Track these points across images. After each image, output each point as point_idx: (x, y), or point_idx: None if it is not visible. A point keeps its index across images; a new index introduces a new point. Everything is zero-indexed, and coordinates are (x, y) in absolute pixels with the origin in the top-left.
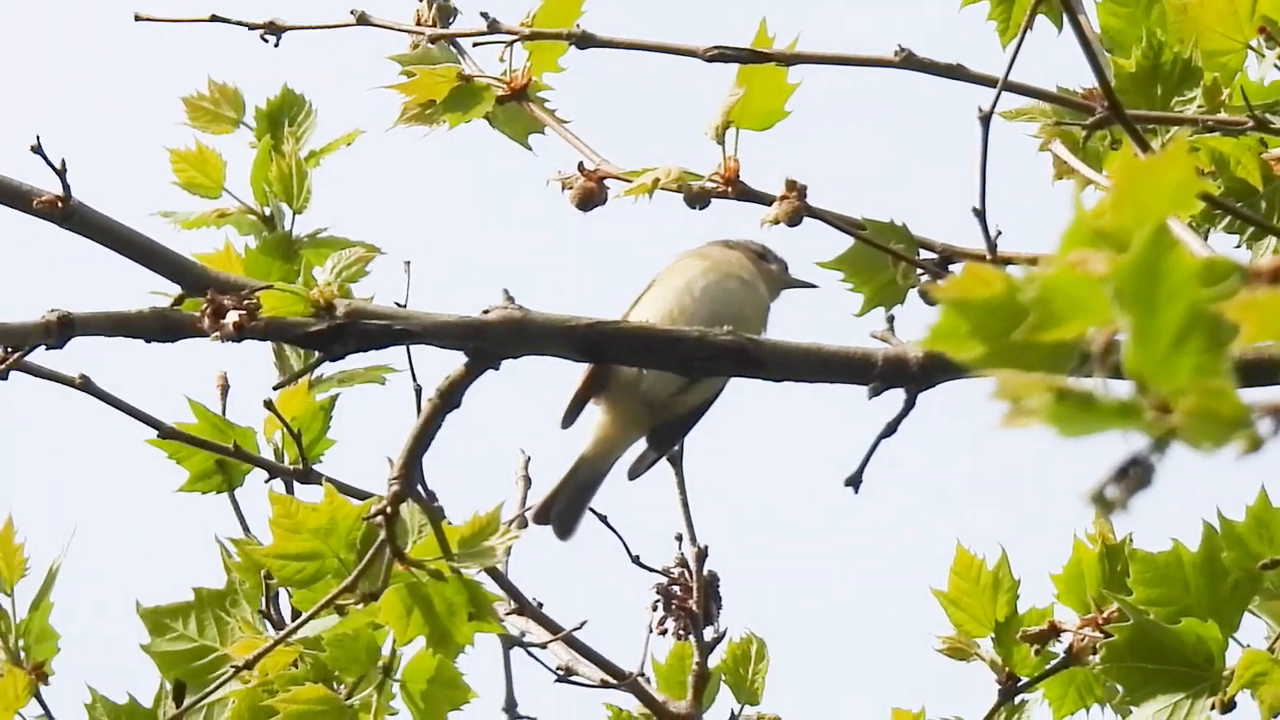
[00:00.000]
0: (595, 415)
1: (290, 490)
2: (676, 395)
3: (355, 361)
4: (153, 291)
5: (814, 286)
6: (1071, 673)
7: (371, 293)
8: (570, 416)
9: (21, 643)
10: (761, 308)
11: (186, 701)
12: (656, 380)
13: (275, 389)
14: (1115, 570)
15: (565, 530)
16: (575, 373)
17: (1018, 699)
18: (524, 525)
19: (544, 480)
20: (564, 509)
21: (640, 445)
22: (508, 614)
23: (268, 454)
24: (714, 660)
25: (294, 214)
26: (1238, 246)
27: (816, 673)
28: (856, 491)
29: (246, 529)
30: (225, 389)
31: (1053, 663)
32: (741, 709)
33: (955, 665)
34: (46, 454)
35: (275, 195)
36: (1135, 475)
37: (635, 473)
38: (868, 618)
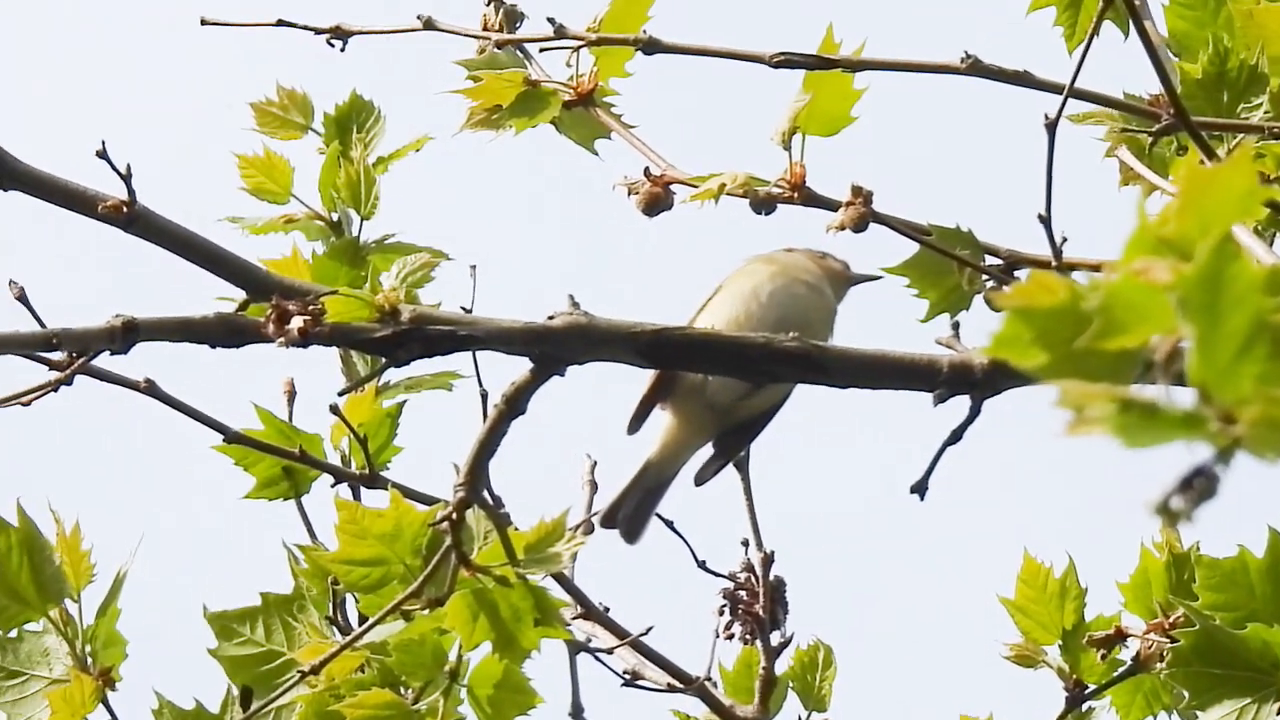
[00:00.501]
0: (661, 420)
1: (357, 496)
2: (742, 400)
3: (422, 367)
4: (219, 297)
5: (878, 278)
6: (1139, 679)
7: (439, 298)
8: (636, 422)
9: (89, 648)
10: (827, 311)
11: (253, 706)
12: (721, 385)
13: (341, 395)
14: (1182, 579)
15: (632, 534)
16: (641, 379)
17: (1085, 706)
18: (590, 531)
19: (610, 486)
20: (631, 513)
21: (707, 450)
22: (574, 619)
23: (334, 460)
24: (781, 666)
25: (362, 220)
26: None
27: (883, 680)
28: (922, 499)
29: (313, 535)
30: (292, 395)
31: (1120, 670)
32: (809, 716)
33: (1022, 673)
34: (114, 459)
35: (343, 201)
36: (1200, 486)
37: (702, 478)
38: (934, 625)
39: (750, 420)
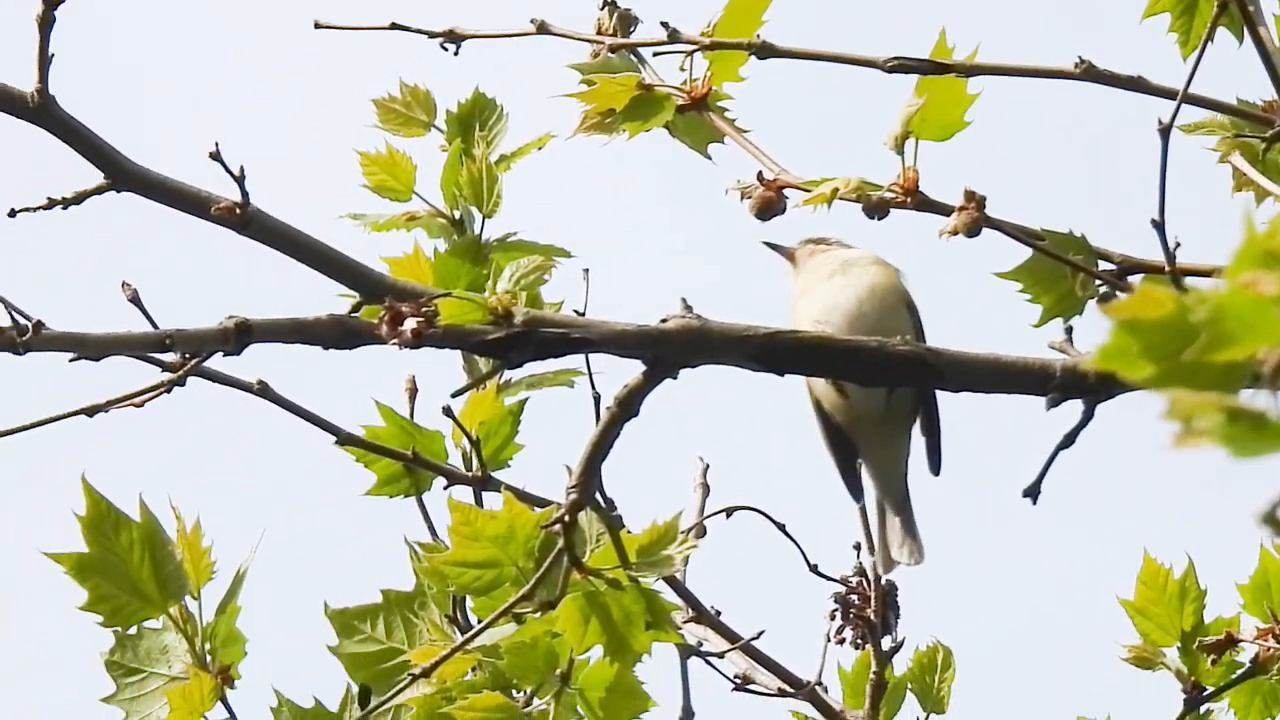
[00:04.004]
0: (862, 458)
1: (478, 496)
2: (891, 401)
3: (544, 365)
4: (339, 294)
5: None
6: (1257, 682)
7: (562, 295)
8: (853, 489)
9: (208, 646)
10: (871, 287)
11: (371, 704)
12: (862, 396)
13: (454, 396)
14: None
15: (916, 556)
16: (820, 452)
17: (1203, 708)
18: (702, 534)
19: (724, 488)
20: (901, 543)
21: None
22: (685, 622)
23: (455, 458)
24: (900, 668)
25: (484, 218)
26: None
27: (1000, 683)
28: (1035, 502)
29: (434, 532)
30: (413, 393)
31: (1238, 672)
32: (927, 717)
33: (1140, 674)
34: (235, 456)
35: (465, 199)
36: None
37: (935, 468)
38: (1052, 627)
39: (923, 401)
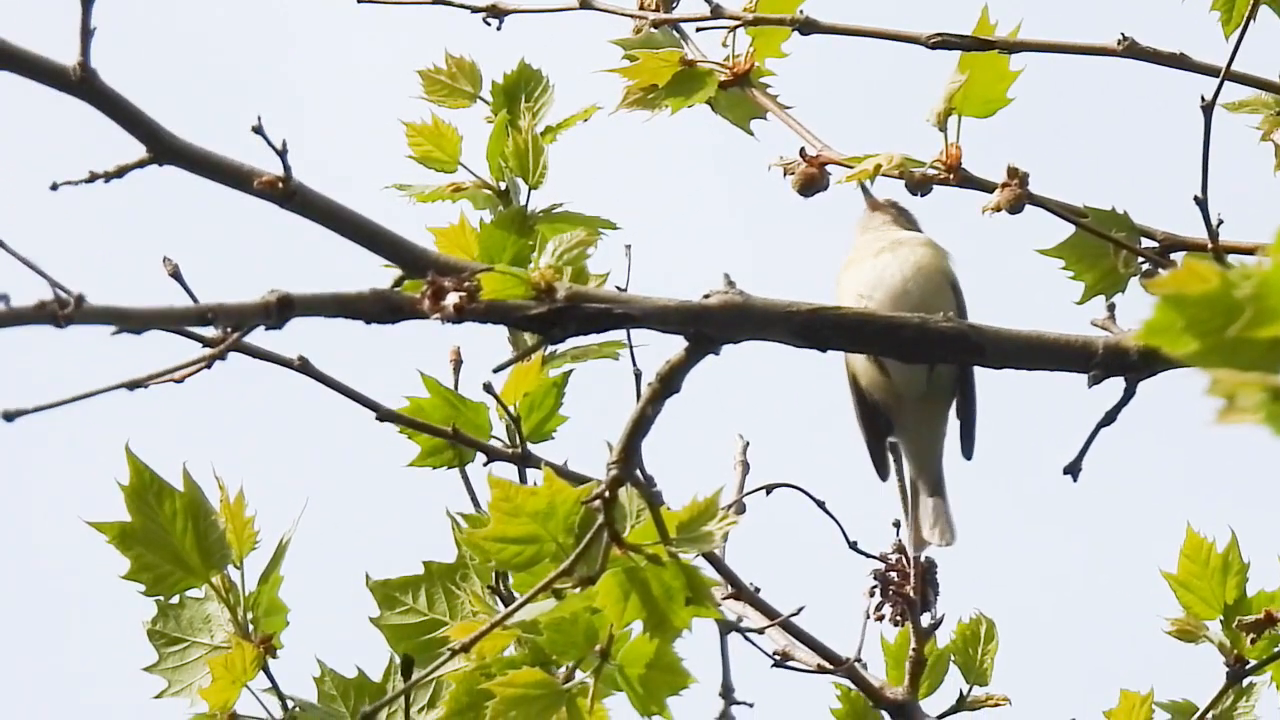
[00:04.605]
0: (897, 438)
1: (522, 471)
2: (932, 379)
3: (588, 338)
4: (383, 265)
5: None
6: None
7: (608, 267)
8: (881, 469)
9: (250, 615)
10: (919, 266)
11: (414, 676)
12: (904, 375)
13: (496, 371)
14: None
15: (948, 537)
16: (850, 425)
17: (1246, 681)
18: (742, 510)
19: (764, 465)
20: (933, 523)
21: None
22: (725, 599)
23: (499, 429)
24: (943, 640)
25: (530, 189)
26: None
27: (1042, 656)
28: (1075, 480)
29: (477, 504)
30: (458, 364)
31: None
32: (970, 689)
33: (1183, 647)
34: (279, 425)
35: (511, 170)
36: None
37: (968, 452)
38: (1093, 601)
39: (960, 382)
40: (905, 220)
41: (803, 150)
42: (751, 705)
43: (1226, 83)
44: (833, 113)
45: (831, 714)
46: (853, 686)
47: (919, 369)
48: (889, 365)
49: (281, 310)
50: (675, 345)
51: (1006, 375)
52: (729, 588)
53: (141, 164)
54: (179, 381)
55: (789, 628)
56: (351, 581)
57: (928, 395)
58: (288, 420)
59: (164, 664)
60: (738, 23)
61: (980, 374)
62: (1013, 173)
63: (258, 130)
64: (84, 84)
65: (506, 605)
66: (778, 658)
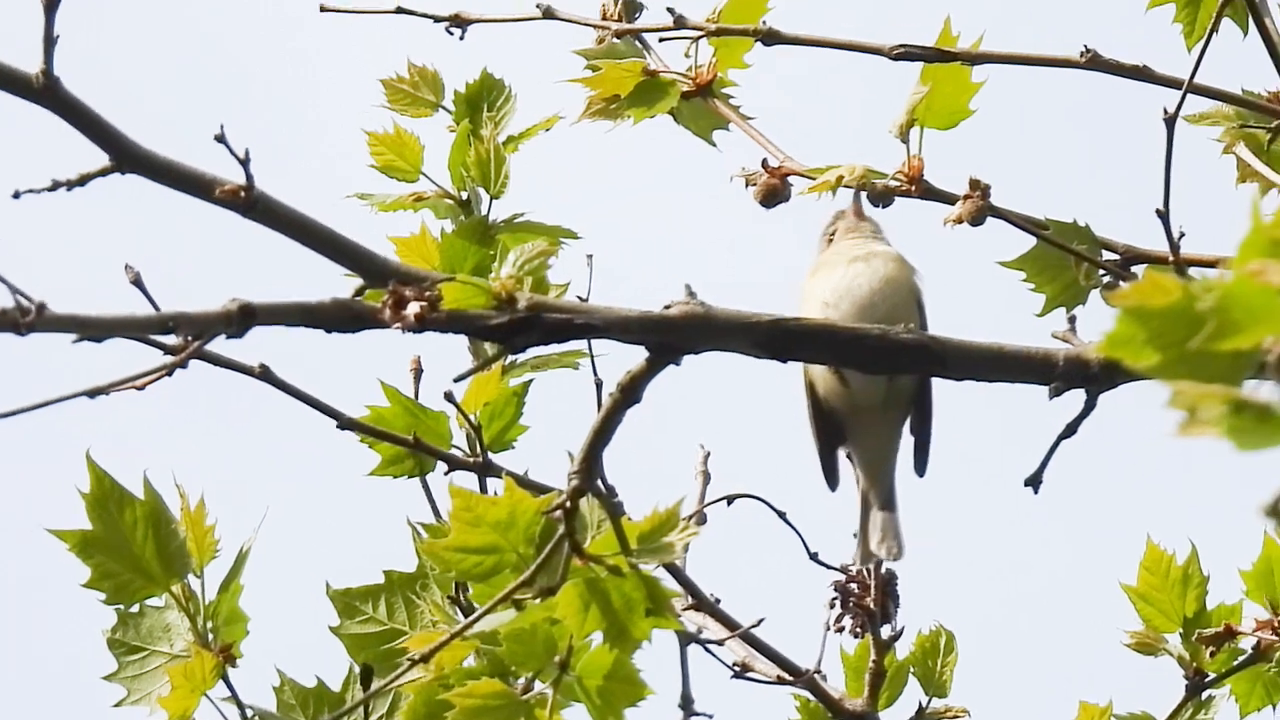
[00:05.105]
0: (849, 448)
1: (483, 481)
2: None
3: (549, 347)
4: (345, 274)
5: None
6: (1258, 669)
7: (568, 277)
8: (830, 478)
9: (210, 624)
10: (889, 279)
11: (373, 686)
12: (863, 385)
13: (457, 380)
14: None
15: (898, 551)
16: (804, 433)
17: (1205, 694)
18: (703, 521)
19: (725, 476)
20: (881, 538)
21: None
22: (685, 610)
23: (460, 439)
24: (902, 651)
25: (491, 199)
26: None
27: (1002, 668)
28: (1036, 492)
29: (437, 513)
30: (419, 373)
31: (1240, 659)
32: (929, 701)
33: (1143, 660)
34: (240, 433)
35: (473, 180)
36: None
37: (921, 469)
38: (1053, 613)
39: (917, 397)
40: (881, 235)
41: (765, 161)
42: (711, 717)
43: (1189, 95)
44: (795, 124)
45: None
46: (812, 698)
47: (878, 380)
48: (849, 375)
49: (243, 318)
50: (636, 355)
51: (967, 387)
52: (689, 599)
53: (104, 172)
54: (140, 389)
55: (749, 639)
56: (311, 590)
57: (884, 407)
58: (249, 428)
59: (123, 672)
60: (700, 33)
61: (941, 386)
62: (974, 184)
63: (220, 139)
64: (47, 92)
65: (466, 615)
66: (737, 669)
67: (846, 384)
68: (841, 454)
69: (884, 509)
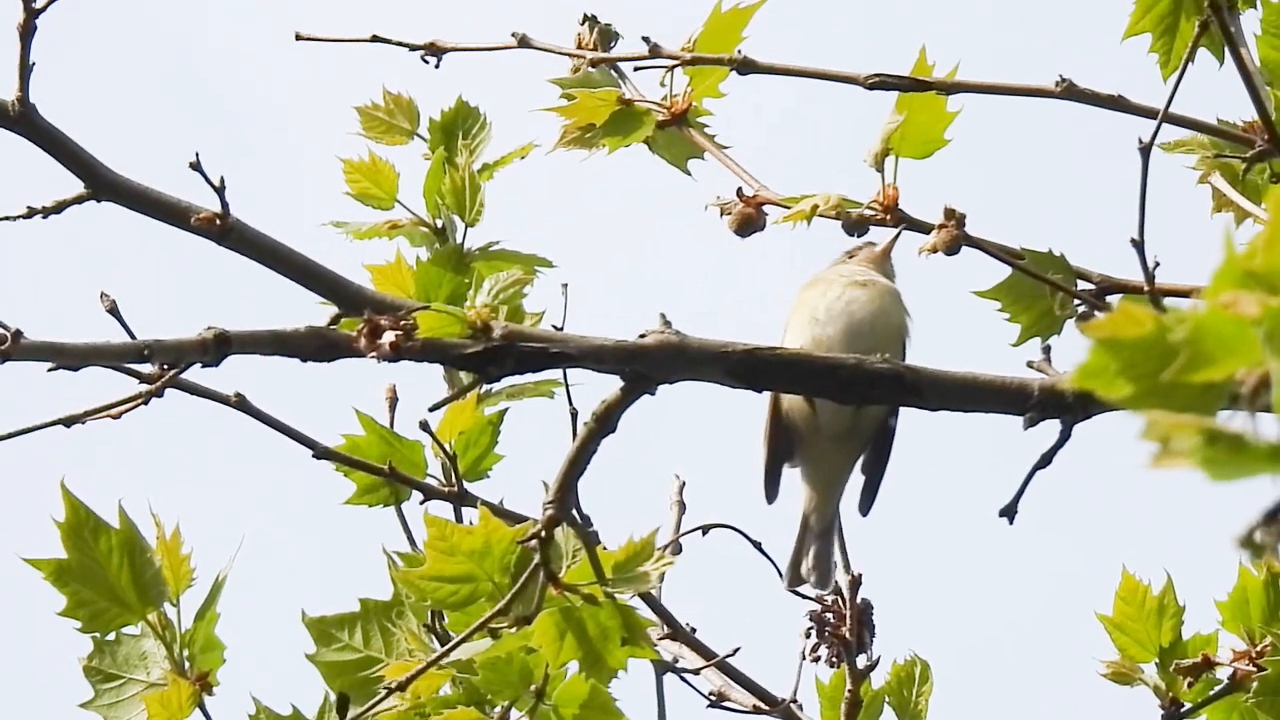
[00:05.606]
0: (798, 471)
1: (458, 510)
2: (857, 419)
3: (524, 376)
4: (320, 302)
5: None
6: (1234, 699)
7: (543, 305)
8: (771, 489)
9: (186, 653)
10: (885, 301)
11: (349, 715)
12: (832, 414)
13: (432, 410)
14: None
15: (824, 580)
16: (756, 446)
17: None
18: (678, 551)
19: (700, 505)
20: (814, 563)
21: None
22: (661, 639)
23: (435, 468)
24: (878, 681)
25: (466, 226)
26: None
27: (978, 698)
28: (1011, 522)
29: (413, 542)
30: (394, 402)
31: (1216, 689)
32: None
33: (1119, 690)
34: (216, 462)
35: (448, 207)
36: None
37: (866, 508)
38: (1029, 644)
39: (878, 435)
40: (891, 279)
41: (740, 190)
42: None
43: (1165, 125)
44: (770, 153)
45: None
46: None
47: (846, 409)
48: (819, 402)
49: (219, 347)
50: (611, 384)
51: (942, 417)
52: (665, 628)
53: (79, 199)
54: (116, 418)
55: (725, 668)
56: (288, 618)
57: (845, 436)
58: (224, 457)
59: (100, 700)
60: (675, 62)
61: (915, 415)
62: (949, 214)
63: (195, 167)
64: (23, 119)
65: (442, 644)
66: (713, 698)
67: (814, 409)
68: (788, 471)
69: (821, 536)
